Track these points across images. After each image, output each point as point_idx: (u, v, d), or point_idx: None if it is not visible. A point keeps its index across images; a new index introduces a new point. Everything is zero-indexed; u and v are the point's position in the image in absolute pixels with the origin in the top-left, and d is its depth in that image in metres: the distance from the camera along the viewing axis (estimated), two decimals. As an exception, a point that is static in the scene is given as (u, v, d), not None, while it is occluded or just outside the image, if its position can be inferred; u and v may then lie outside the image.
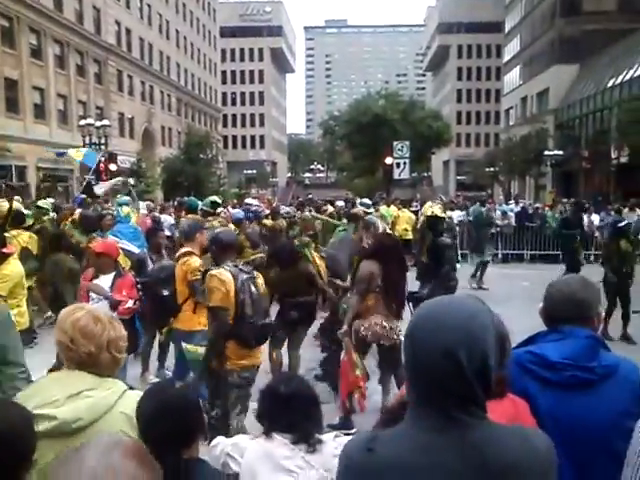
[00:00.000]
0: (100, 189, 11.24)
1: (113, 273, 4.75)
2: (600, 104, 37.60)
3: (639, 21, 36.46)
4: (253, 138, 76.13)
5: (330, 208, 13.37)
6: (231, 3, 73.65)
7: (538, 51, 49.32)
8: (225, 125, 70.01)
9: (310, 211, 11.41)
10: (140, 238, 7.22)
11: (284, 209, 11.77)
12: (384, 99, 44.81)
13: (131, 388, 2.06)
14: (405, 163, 20.60)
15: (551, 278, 2.15)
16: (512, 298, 9.26)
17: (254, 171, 64.03)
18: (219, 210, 10.39)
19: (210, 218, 8.89)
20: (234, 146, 73.34)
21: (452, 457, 1.19)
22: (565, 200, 20.05)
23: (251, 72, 75.72)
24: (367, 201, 10.65)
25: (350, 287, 5.30)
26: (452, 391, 1.20)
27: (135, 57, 41.22)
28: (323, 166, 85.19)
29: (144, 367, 6.15)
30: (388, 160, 22.03)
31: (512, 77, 57.76)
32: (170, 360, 6.21)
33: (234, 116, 74.38)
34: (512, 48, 57.88)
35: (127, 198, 10.88)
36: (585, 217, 15.92)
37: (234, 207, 13.78)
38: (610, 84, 36.33)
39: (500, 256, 15.61)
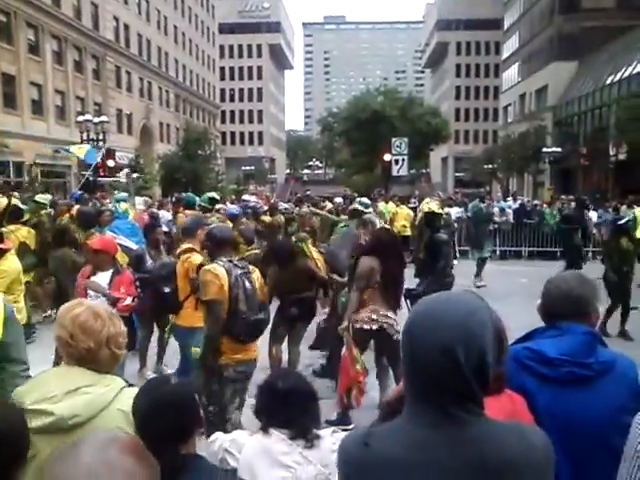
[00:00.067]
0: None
1: (111, 270, 4.72)
2: (599, 101, 37.60)
3: (638, 18, 36.43)
4: (251, 134, 76.02)
5: (329, 205, 13.36)
6: (229, -1, 73.58)
7: (537, 48, 49.29)
8: (223, 121, 69.89)
9: (308, 207, 11.40)
10: (138, 234, 7.21)
11: (282, 205, 11.77)
12: (383, 96, 44.76)
13: (130, 385, 2.06)
14: (403, 160, 20.58)
15: (549, 275, 2.15)
16: (510, 295, 9.28)
17: (252, 167, 63.92)
18: (219, 206, 10.39)
19: (208, 214, 8.89)
20: (232, 142, 73.23)
21: (448, 454, 1.19)
22: (564, 197, 20.03)
23: (249, 68, 75.56)
24: (366, 200, 10.64)
25: (348, 283, 5.30)
26: (449, 388, 1.20)
27: (133, 53, 41.10)
28: (321, 163, 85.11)
29: (142, 363, 6.14)
30: (386, 157, 22.01)
31: (511, 74, 57.73)
32: (167, 356, 6.23)
33: (232, 112, 74.25)
34: (511, 45, 57.84)
35: (125, 194, 10.87)
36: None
37: (232, 203, 13.77)
38: (609, 81, 36.32)
39: (498, 253, 15.62)
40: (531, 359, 1.93)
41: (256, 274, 3.89)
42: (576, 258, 11.36)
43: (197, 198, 10.78)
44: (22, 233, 7.57)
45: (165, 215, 10.04)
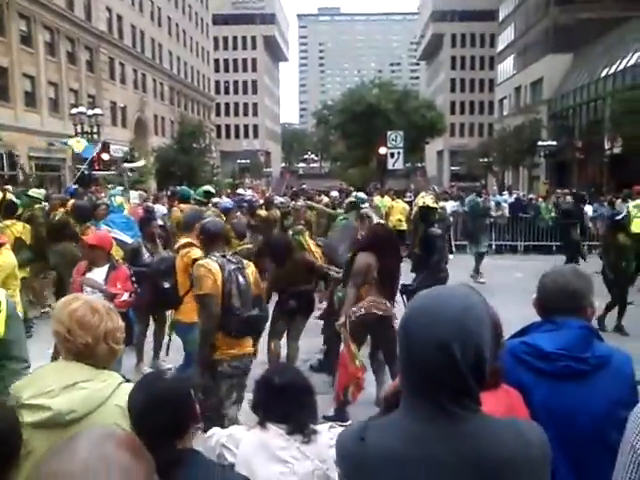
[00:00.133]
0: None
1: (107, 265, 4.69)
2: (594, 94, 37.63)
3: (633, 9, 36.38)
4: (246, 127, 75.76)
5: (325, 199, 13.34)
6: (224, -10, 73.08)
7: (532, 40, 49.24)
8: (218, 114, 69.61)
9: (305, 200, 11.38)
10: (133, 228, 7.19)
11: (278, 199, 11.76)
12: (378, 88, 44.70)
13: (127, 380, 2.06)
14: (399, 153, 20.57)
15: (545, 269, 2.15)
16: (506, 289, 9.30)
17: (248, 161, 63.74)
18: (215, 200, 10.38)
19: (203, 208, 8.86)
20: (227, 136, 72.99)
21: (444, 449, 1.19)
22: (559, 191, 20.08)
23: (244, 60, 75.22)
24: (362, 195, 10.65)
25: (343, 278, 5.29)
26: (446, 384, 1.20)
27: (127, 45, 40.82)
28: (317, 156, 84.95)
29: (138, 358, 6.13)
30: (382, 150, 22.01)
31: (506, 66, 57.68)
32: (171, 351, 6.21)
33: (227, 105, 73.96)
34: (506, 37, 57.77)
35: (120, 188, 10.84)
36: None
37: (228, 197, 13.75)
38: (604, 74, 36.33)
39: (494, 247, 15.65)
40: (527, 354, 1.93)
41: (250, 269, 3.86)
42: (574, 253, 11.38)
43: (191, 192, 10.75)
44: (17, 228, 7.54)
45: (160, 209, 10.01)
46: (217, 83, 68.91)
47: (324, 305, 6.49)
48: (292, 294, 5.45)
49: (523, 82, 51.27)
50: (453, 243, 14.89)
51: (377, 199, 13.91)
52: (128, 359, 5.50)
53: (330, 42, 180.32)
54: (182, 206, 9.29)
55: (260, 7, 75.66)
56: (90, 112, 24.56)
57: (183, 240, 5.08)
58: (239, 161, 60.96)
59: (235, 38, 74.75)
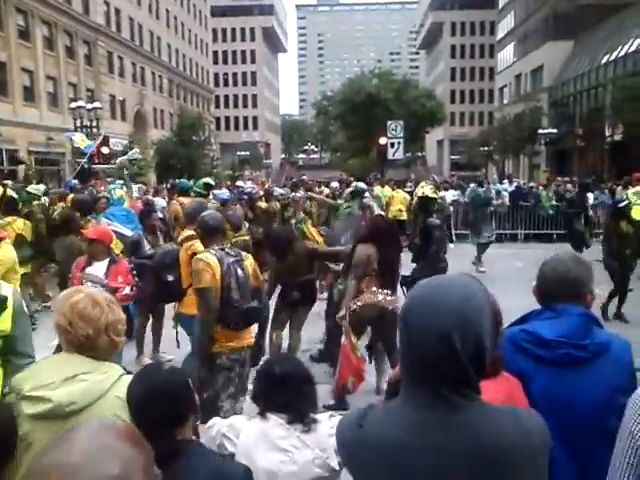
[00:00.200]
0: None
1: (107, 259, 4.68)
2: (594, 81, 37.46)
3: (633, -4, 36.17)
4: (246, 119, 75.57)
5: (326, 190, 13.32)
6: (221, -19, 72.61)
7: (532, 27, 48.96)
8: (218, 106, 69.41)
9: (306, 191, 11.37)
10: (134, 221, 7.18)
11: (278, 191, 11.74)
12: (377, 78, 44.52)
13: (128, 372, 2.07)
14: (399, 143, 20.51)
15: (545, 257, 2.15)
16: (506, 278, 9.30)
17: (247, 153, 63.65)
18: (216, 192, 10.37)
19: (204, 200, 8.86)
20: (227, 127, 72.82)
21: (443, 437, 1.20)
22: (560, 179, 20.04)
23: (243, 52, 74.90)
24: (363, 185, 10.64)
25: (344, 270, 5.29)
26: (446, 374, 1.20)
27: (125, 38, 40.65)
28: (317, 147, 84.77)
29: (139, 350, 6.15)
30: (382, 140, 21.94)
31: (506, 54, 57.37)
32: (164, 343, 6.22)
33: (226, 97, 73.73)
34: (506, 24, 57.41)
35: (120, 182, 10.81)
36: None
37: (228, 189, 13.72)
38: (604, 61, 36.15)
39: (494, 236, 15.62)
40: (527, 341, 1.93)
41: (249, 261, 3.86)
42: (578, 243, 11.34)
43: (190, 184, 10.75)
44: (18, 225, 7.54)
45: (160, 202, 10.00)
46: (216, 75, 68.65)
47: (325, 295, 6.50)
48: (295, 285, 5.45)
49: (523, 70, 51.02)
50: (453, 232, 14.88)
51: (377, 189, 13.89)
52: (129, 351, 5.52)
53: (329, 32, 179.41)
54: (181, 199, 9.28)
55: (258, -2, 75.31)
56: (89, 106, 24.52)
57: (187, 232, 5.06)
58: (239, 153, 60.88)
59: (234, 30, 74.37)
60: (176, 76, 51.49)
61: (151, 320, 6.31)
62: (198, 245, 4.63)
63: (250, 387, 2.54)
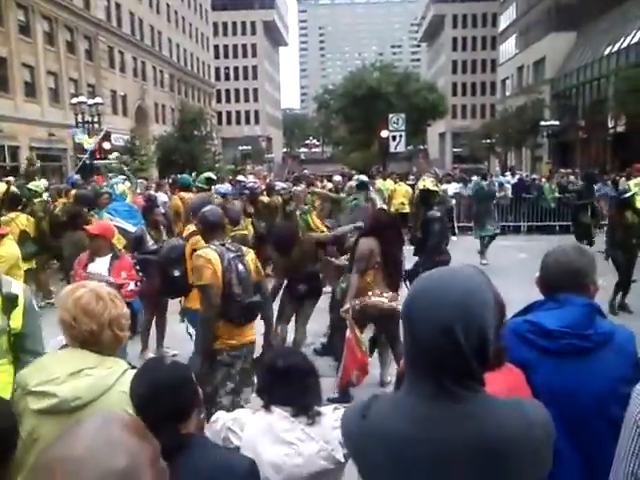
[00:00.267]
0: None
1: (109, 255, 4.66)
2: (597, 73, 37.27)
3: (636, -14, 35.90)
4: (247, 113, 75.42)
5: (329, 185, 13.28)
6: (221, -25, 72.29)
7: (534, 19, 48.67)
8: (219, 101, 69.27)
9: (308, 187, 11.36)
10: (136, 216, 7.17)
11: (279, 185, 11.72)
12: (379, 71, 44.39)
13: (132, 367, 2.07)
14: (401, 136, 20.46)
15: (548, 249, 2.15)
16: (509, 270, 9.29)
17: (249, 147, 63.54)
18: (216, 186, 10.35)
19: (208, 195, 8.85)
20: (228, 122, 72.70)
21: (445, 429, 1.20)
22: (562, 170, 19.97)
23: (244, 46, 74.65)
24: (364, 178, 10.63)
25: (347, 265, 5.29)
26: (449, 366, 1.20)
27: (126, 33, 40.55)
28: (318, 141, 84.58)
29: (143, 345, 6.16)
30: (384, 133, 21.91)
31: (508, 46, 57.09)
32: (168, 338, 6.24)
33: (227, 91, 73.56)
34: (508, 16, 57.09)
35: (122, 177, 10.82)
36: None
37: (231, 184, 13.70)
38: (607, 52, 35.95)
39: (498, 229, 15.58)
40: (531, 332, 1.93)
41: (250, 256, 3.84)
42: (582, 235, 11.29)
43: (191, 179, 10.75)
44: (22, 221, 7.55)
45: (162, 197, 10.01)
46: (217, 69, 68.49)
47: (329, 289, 6.49)
48: (300, 279, 5.45)
49: (525, 62, 50.78)
50: (456, 225, 14.86)
51: (380, 182, 13.86)
52: (133, 347, 5.54)
53: (330, 25, 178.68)
54: (181, 194, 9.28)
55: (259, -9, 74.98)
56: (90, 101, 24.49)
57: (192, 227, 5.05)
58: (240, 147, 60.73)
59: (234, 24, 74.11)
60: (177, 71, 51.38)
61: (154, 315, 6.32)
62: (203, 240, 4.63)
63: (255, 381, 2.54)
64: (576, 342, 1.87)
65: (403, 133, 20.62)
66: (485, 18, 68.47)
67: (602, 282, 2.12)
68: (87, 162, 18.46)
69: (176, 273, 4.92)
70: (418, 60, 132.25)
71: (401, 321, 1.29)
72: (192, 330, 4.58)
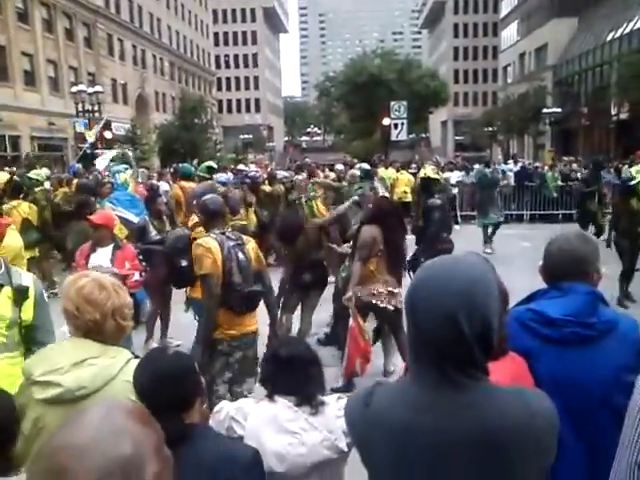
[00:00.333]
0: (101, 162, 11.09)
1: (111, 245, 4.64)
2: (599, 59, 37.01)
3: (639, -30, 35.52)
4: (248, 102, 75.05)
5: (331, 174, 13.24)
6: (221, -39, 71.59)
7: (536, 5, 48.23)
8: (219, 89, 68.91)
9: (310, 178, 11.31)
10: (138, 206, 7.15)
11: (281, 174, 11.68)
12: (380, 58, 44.09)
13: (136, 356, 2.08)
14: (403, 124, 20.36)
15: (551, 238, 2.14)
16: (512, 258, 9.29)
17: (250, 136, 63.31)
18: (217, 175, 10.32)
19: (213, 183, 8.82)
20: (229, 110, 72.35)
21: (447, 417, 1.20)
22: (565, 158, 19.89)
23: (244, 33, 74.11)
24: (367, 166, 10.60)
25: (350, 253, 5.29)
26: (452, 355, 1.20)
27: (125, 20, 40.26)
28: (320, 129, 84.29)
29: (148, 335, 6.17)
30: (385, 121, 21.79)
31: (510, 33, 56.65)
32: (172, 328, 6.25)
33: (228, 79, 73.15)
34: (509, 2, 56.61)
35: (123, 166, 10.77)
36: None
37: (233, 172, 13.67)
38: (610, 38, 35.66)
39: (502, 217, 15.52)
40: (534, 320, 1.93)
41: (250, 244, 3.83)
42: (586, 223, 11.23)
43: (192, 168, 10.72)
44: (24, 209, 7.55)
45: (163, 186, 10.00)
46: (217, 57, 68.07)
47: (334, 279, 6.50)
48: (305, 267, 5.44)
49: (527, 48, 50.42)
50: (458, 214, 14.83)
51: (382, 171, 13.81)
52: (138, 336, 5.56)
53: (331, 12, 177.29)
54: (182, 183, 9.27)
55: (258, -23, 74.33)
56: (90, 90, 24.40)
57: (197, 217, 5.03)
58: (242, 136, 60.51)
59: (234, 10, 73.53)
60: (177, 58, 51.08)
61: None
62: None
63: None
64: (579, 330, 1.87)
65: (405, 121, 20.52)
66: (486, 4, 67.85)
67: (605, 270, 2.12)
68: (88, 151, 18.43)
69: (183, 263, 4.92)
70: (419, 47, 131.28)
71: (404, 311, 1.29)
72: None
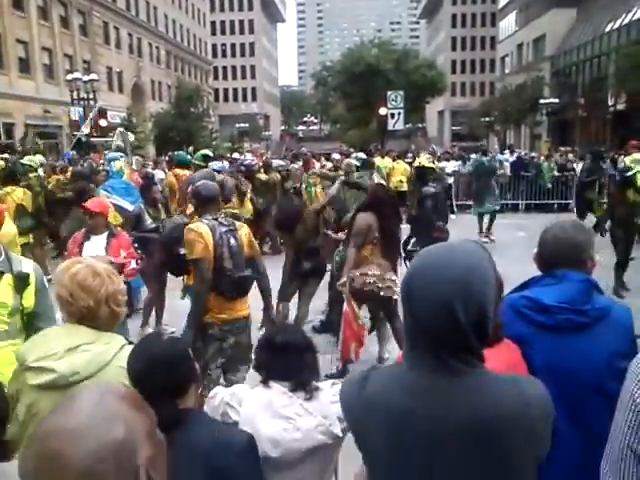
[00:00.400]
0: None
1: (106, 233, 4.59)
2: (598, 50, 36.92)
3: (638, -39, 35.35)
4: (245, 91, 74.70)
5: (328, 164, 13.22)
6: (217, -52, 70.95)
7: (535, -5, 48.05)
8: (216, 78, 68.54)
9: (305, 168, 11.29)
10: (133, 194, 7.12)
11: (276, 162, 11.66)
12: (377, 48, 43.96)
13: (130, 342, 2.08)
14: (399, 113, 20.34)
15: (545, 226, 2.14)
16: (507, 247, 9.31)
17: (246, 125, 63.04)
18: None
19: (211, 171, 8.79)
20: (225, 99, 72.01)
21: (443, 405, 1.20)
22: (562, 149, 19.89)
23: (241, 22, 73.60)
24: (363, 156, 10.59)
25: (344, 239, 5.29)
26: (448, 342, 1.20)
27: (120, 8, 39.91)
28: (316, 118, 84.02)
29: (144, 321, 6.18)
30: (382, 111, 21.78)
31: (508, 23, 56.42)
32: (167, 315, 6.25)
33: (224, 68, 72.74)
34: (508, -8, 56.35)
35: (118, 153, 10.72)
36: (578, 166, 15.82)
37: (229, 161, 13.63)
38: (608, 29, 35.56)
39: (497, 206, 15.53)
40: (528, 307, 1.93)
41: (243, 230, 3.83)
42: (582, 212, 11.22)
43: (188, 156, 10.67)
44: (18, 195, 7.51)
45: (158, 174, 9.96)
46: (214, 46, 67.65)
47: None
48: (305, 254, 5.44)
49: (525, 39, 50.25)
50: (454, 203, 14.84)
51: (378, 160, 13.79)
52: (133, 323, 5.56)
53: (328, 2, 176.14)
54: (176, 171, 9.26)
55: (255, -35, 73.71)
56: (86, 78, 24.22)
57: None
58: (238, 125, 60.26)
59: (231, -1, 73.08)
60: (173, 47, 50.73)
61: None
62: None
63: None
64: (573, 317, 1.87)
65: (402, 110, 20.49)
66: (485, -7, 67.52)
67: (599, 258, 2.12)
68: (83, 139, 18.37)
69: (181, 251, 4.91)
70: (417, 37, 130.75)
71: (400, 299, 1.29)
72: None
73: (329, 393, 2.13)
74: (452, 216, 10.82)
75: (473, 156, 15.41)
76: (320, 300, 6.31)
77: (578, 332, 1.87)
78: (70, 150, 14.90)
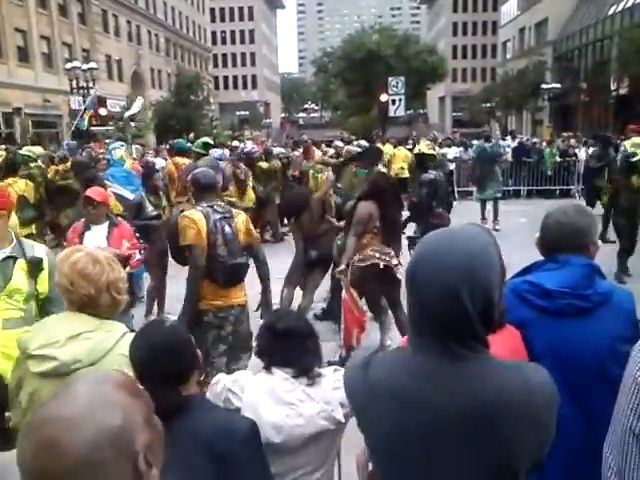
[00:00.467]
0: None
1: (107, 222, 4.48)
2: (600, 34, 36.61)
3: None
4: (245, 78, 74.29)
5: (330, 151, 13.18)
6: None
7: (537, -22, 47.54)
8: (216, 65, 68.17)
9: (305, 156, 11.24)
10: (134, 183, 7.11)
11: (277, 150, 11.61)
12: (378, 34, 43.57)
13: (132, 330, 2.08)
14: (400, 100, 20.20)
15: (547, 211, 2.12)
16: (510, 233, 9.29)
17: (247, 112, 62.75)
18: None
19: (213, 159, 8.77)
20: (225, 87, 71.65)
21: (446, 388, 1.20)
22: (564, 134, 19.78)
23: (240, 9, 73.01)
24: (365, 143, 10.55)
25: (345, 227, 5.27)
26: (454, 329, 1.19)
27: (119, -5, 39.68)
28: (317, 105, 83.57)
29: (148, 309, 6.20)
30: (383, 97, 21.65)
31: (510, 7, 55.88)
32: (168, 303, 6.26)
33: (224, 56, 72.30)
34: (510, -24, 55.78)
35: (119, 143, 10.69)
36: (580, 151, 15.75)
37: (230, 149, 13.58)
38: (611, 12, 35.23)
39: (499, 193, 15.47)
40: (530, 292, 1.93)
41: (240, 218, 3.82)
42: (592, 199, 11.12)
43: (188, 144, 10.65)
44: (20, 186, 7.49)
45: (159, 162, 9.94)
46: (214, 33, 67.23)
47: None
48: (311, 242, 5.41)
49: (527, 23, 49.80)
50: (456, 190, 14.79)
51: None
52: (136, 311, 5.57)
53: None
54: (176, 159, 9.24)
55: (254, -49, 72.95)
56: (85, 66, 24.10)
57: None
58: (238, 113, 59.99)
59: (230, -15, 72.46)
60: (173, 35, 50.40)
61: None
62: None
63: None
64: (575, 302, 1.87)
65: (403, 97, 20.35)
66: (486, -23, 66.83)
67: (601, 242, 2.11)
68: (83, 129, 18.32)
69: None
70: (418, 22, 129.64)
71: (404, 286, 1.28)
72: None
73: (331, 379, 2.13)
74: (454, 203, 10.76)
75: (475, 142, 15.33)
76: (322, 287, 6.31)
77: (580, 317, 1.86)
78: (70, 139, 14.86)
